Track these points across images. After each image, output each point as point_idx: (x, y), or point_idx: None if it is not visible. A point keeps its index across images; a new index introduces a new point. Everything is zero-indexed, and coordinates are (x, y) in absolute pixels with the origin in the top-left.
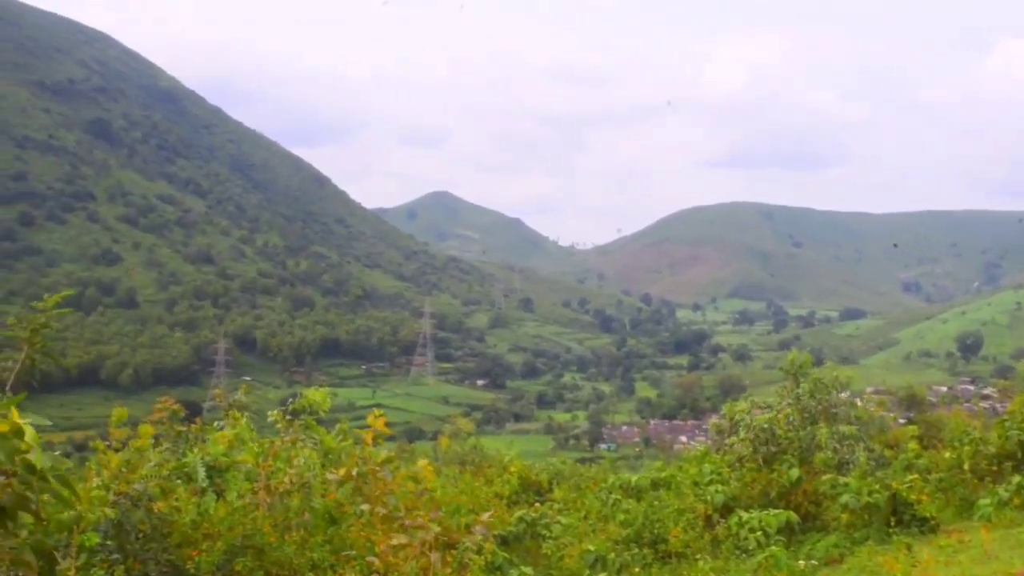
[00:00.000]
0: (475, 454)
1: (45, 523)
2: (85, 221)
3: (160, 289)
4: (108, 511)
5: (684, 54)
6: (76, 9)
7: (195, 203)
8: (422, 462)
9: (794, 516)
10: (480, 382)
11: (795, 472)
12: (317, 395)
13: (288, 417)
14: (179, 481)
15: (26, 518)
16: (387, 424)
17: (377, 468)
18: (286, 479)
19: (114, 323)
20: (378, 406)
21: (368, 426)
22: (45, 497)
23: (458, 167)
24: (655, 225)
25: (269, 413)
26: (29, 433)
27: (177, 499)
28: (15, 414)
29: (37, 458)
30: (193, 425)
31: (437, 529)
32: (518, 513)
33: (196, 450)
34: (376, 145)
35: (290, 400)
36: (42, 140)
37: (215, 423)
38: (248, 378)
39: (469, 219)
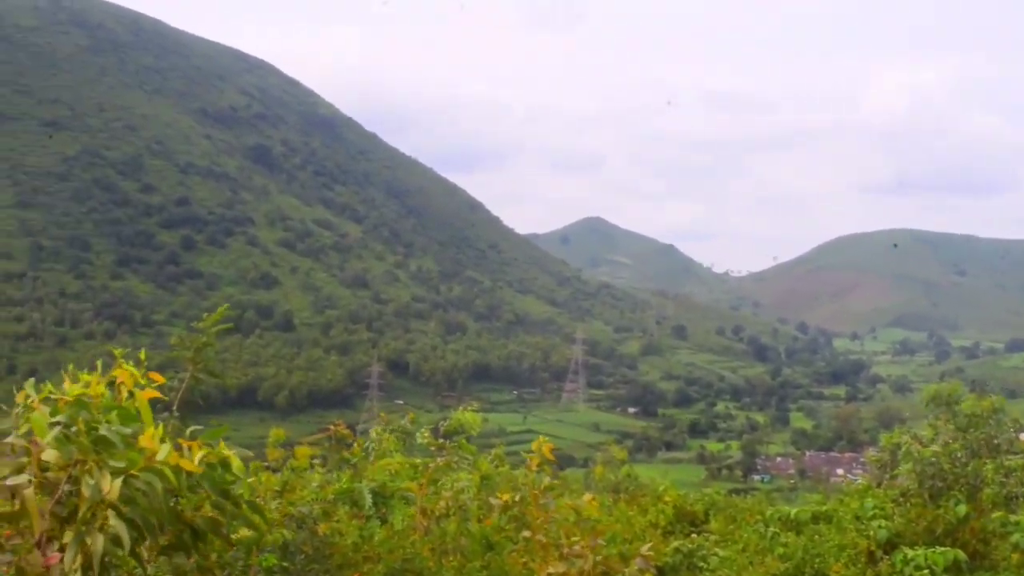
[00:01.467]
0: (629, 482)
1: (233, 547)
2: (245, 245)
3: (316, 312)
4: (286, 532)
5: (844, 79)
6: (239, 39)
7: (351, 228)
8: (587, 496)
9: (962, 555)
10: (631, 410)
11: (963, 508)
12: (468, 417)
13: (440, 439)
14: (343, 505)
15: (215, 540)
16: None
17: (539, 495)
18: (442, 502)
19: (271, 345)
20: (529, 432)
21: (530, 451)
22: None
23: (611, 193)
24: (812, 252)
25: (419, 434)
26: (236, 465)
27: (338, 521)
28: (223, 446)
29: (244, 489)
30: (354, 449)
31: (596, 558)
32: (674, 544)
33: (362, 475)
34: (529, 171)
35: (441, 423)
36: (204, 166)
37: (368, 446)
38: (401, 401)
39: (622, 245)
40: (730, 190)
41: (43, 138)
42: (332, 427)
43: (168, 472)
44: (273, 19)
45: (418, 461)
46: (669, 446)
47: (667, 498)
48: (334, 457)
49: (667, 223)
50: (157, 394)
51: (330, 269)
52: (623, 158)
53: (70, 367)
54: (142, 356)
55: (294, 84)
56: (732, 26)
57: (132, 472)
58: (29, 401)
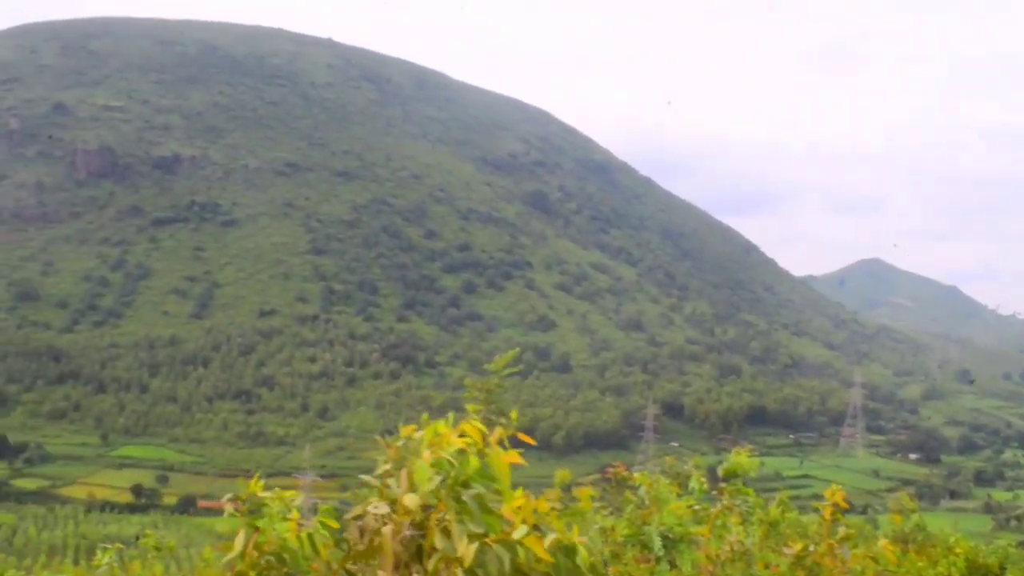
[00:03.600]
0: (917, 532)
1: None
2: (523, 288)
3: (592, 355)
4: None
5: None
6: (517, 88)
7: (626, 271)
8: (883, 542)
9: None
10: (912, 456)
11: None
12: (744, 460)
13: (720, 483)
14: (631, 548)
15: None
16: (816, 496)
17: (835, 544)
18: (726, 547)
19: (549, 386)
20: (805, 477)
21: (811, 497)
22: None
23: (890, 234)
24: None
25: (694, 478)
26: (582, 556)
27: (626, 564)
28: (576, 531)
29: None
30: (640, 491)
31: None
32: None
33: (647, 518)
34: (805, 212)
35: (718, 467)
36: (484, 212)
37: (640, 488)
38: (675, 444)
39: (901, 287)
40: (1016, 229)
41: (336, 188)
42: (612, 469)
43: (522, 552)
44: (550, 69)
45: (696, 504)
46: (953, 494)
47: (958, 549)
48: (615, 499)
49: (949, 264)
50: (519, 459)
51: (606, 312)
52: (902, 197)
53: (423, 417)
54: (513, 416)
55: (571, 131)
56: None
57: (487, 541)
58: (406, 444)
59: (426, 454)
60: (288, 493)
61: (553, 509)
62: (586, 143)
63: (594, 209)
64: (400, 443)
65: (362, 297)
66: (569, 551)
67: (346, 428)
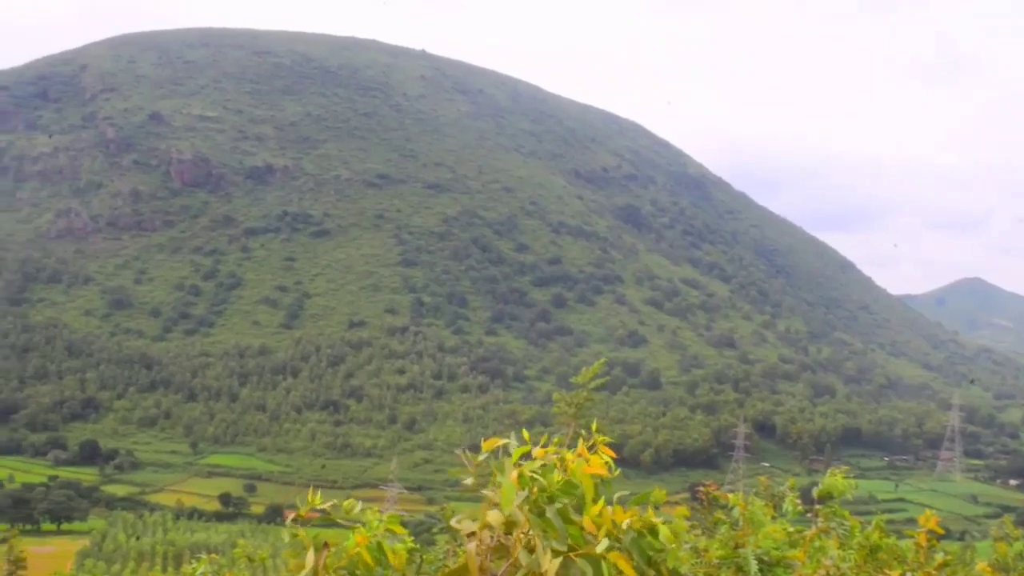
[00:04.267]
0: (1020, 560)
1: None
2: (613, 303)
3: (682, 372)
4: None
5: None
6: (611, 101)
7: (718, 287)
8: (980, 564)
9: None
10: (1013, 482)
11: None
12: (839, 482)
13: (813, 505)
14: (726, 570)
15: None
16: (911, 521)
17: (934, 572)
18: (822, 571)
19: (638, 403)
20: (900, 500)
21: (906, 521)
22: None
23: (993, 252)
24: None
25: (788, 500)
26: (664, 533)
27: None
28: (651, 512)
29: (670, 558)
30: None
31: None
32: None
33: (742, 539)
34: (904, 230)
35: (811, 488)
36: (575, 225)
37: (733, 509)
38: (767, 464)
39: (1004, 307)
40: None
41: (427, 199)
42: (703, 488)
43: (606, 566)
44: (645, 82)
45: (790, 527)
46: None
47: None
48: (706, 519)
49: None
50: (603, 471)
51: (697, 328)
52: (1007, 216)
53: (522, 432)
54: (595, 429)
55: (664, 145)
56: None
57: (571, 555)
58: (490, 458)
59: (511, 470)
60: (351, 503)
61: (622, 499)
62: (680, 157)
63: (686, 224)
64: (483, 457)
65: (451, 309)
66: (652, 530)
67: (433, 441)
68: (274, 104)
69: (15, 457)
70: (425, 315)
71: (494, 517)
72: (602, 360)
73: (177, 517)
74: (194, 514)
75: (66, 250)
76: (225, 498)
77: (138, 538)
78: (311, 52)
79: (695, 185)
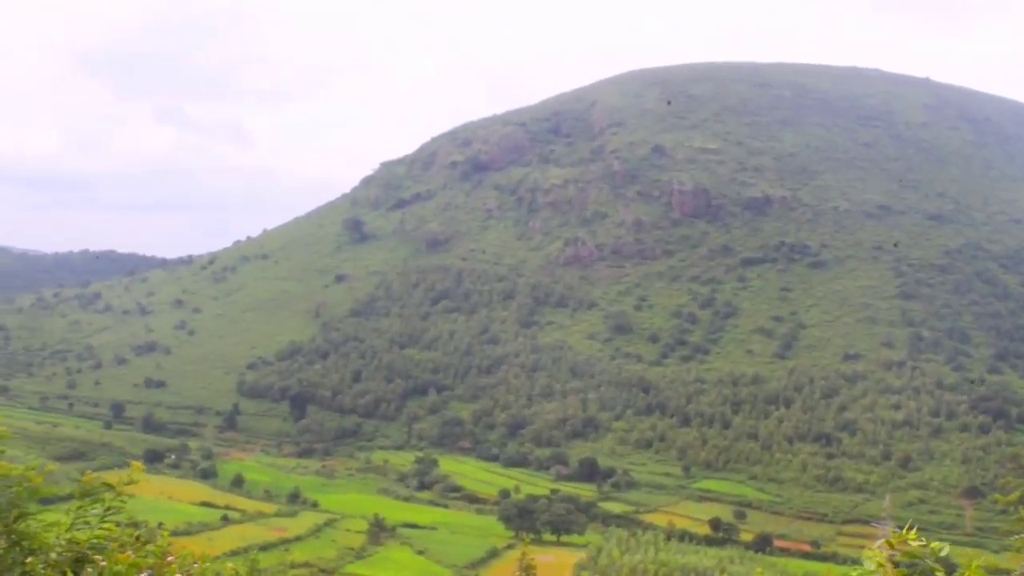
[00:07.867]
0: None
1: None
2: None
3: None
4: None
5: None
6: None
7: None
8: None
9: None
10: None
11: None
12: None
13: None
14: None
15: None
16: None
17: None
18: None
19: None
20: None
21: None
22: None
23: None
24: None
25: None
26: None
27: None
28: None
29: None
30: None
31: None
32: None
33: None
34: None
35: None
36: None
37: None
38: None
39: None
40: None
41: (928, 231)
42: None
43: None
44: None
45: None
46: None
47: None
48: None
49: None
50: None
51: None
52: None
53: None
54: None
55: None
56: None
57: None
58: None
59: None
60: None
61: None
62: None
63: None
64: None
65: (951, 345)
66: None
67: (929, 480)
68: (773, 135)
69: (522, 469)
70: (923, 350)
71: None
72: None
73: (668, 538)
74: (685, 536)
75: (572, 276)
76: (715, 523)
77: (630, 555)
78: (810, 83)
79: None
